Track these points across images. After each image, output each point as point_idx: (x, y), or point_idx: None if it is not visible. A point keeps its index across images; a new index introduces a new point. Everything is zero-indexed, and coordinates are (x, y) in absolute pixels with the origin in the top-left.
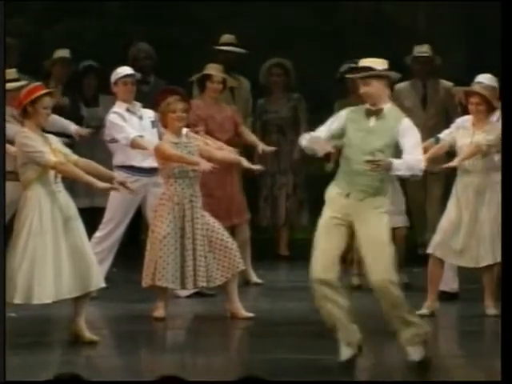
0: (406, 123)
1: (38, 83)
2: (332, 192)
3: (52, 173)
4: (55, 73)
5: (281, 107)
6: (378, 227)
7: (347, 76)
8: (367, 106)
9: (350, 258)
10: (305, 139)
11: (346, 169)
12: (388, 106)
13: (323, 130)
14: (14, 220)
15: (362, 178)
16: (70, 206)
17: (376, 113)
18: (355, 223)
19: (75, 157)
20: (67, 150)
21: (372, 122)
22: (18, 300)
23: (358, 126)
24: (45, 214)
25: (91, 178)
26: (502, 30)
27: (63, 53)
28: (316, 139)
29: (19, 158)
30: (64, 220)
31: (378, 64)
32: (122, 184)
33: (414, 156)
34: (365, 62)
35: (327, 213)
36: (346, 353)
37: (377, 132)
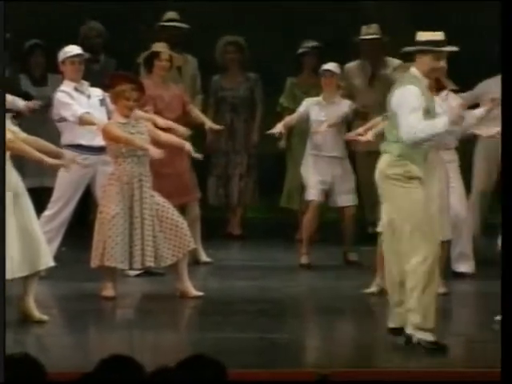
0: None
1: None
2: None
3: None
4: None
5: (237, 86)
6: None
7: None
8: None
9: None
10: None
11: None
12: None
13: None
14: None
15: None
16: (18, 184)
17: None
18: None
19: (24, 134)
20: (15, 128)
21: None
22: None
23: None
24: None
25: (41, 155)
26: (502, 30)
27: None
28: None
29: None
30: (12, 198)
31: (438, 37)
32: (72, 161)
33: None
34: (425, 36)
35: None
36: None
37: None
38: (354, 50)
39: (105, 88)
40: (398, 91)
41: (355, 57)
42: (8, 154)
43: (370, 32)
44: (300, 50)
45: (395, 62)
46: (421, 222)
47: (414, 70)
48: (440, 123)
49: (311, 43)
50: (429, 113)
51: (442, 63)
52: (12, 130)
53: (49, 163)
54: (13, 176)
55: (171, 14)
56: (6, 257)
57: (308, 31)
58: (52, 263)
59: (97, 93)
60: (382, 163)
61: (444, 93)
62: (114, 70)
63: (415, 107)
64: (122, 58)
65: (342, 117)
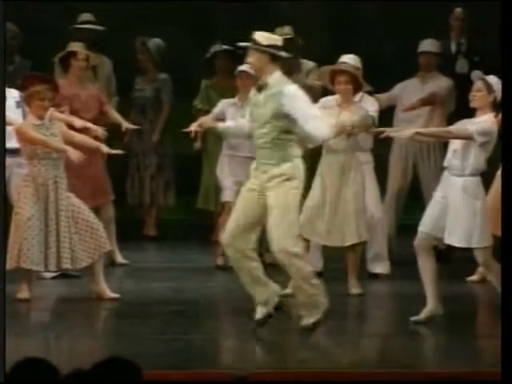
0: (288, 91)
1: None
2: (251, 167)
3: None
4: None
5: (146, 87)
6: (277, 196)
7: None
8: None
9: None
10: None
11: (255, 144)
12: (274, 77)
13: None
14: None
15: (262, 151)
16: None
17: (263, 86)
18: (266, 194)
19: None
20: None
21: (261, 95)
22: None
23: (253, 103)
24: None
25: None
26: (502, 30)
27: None
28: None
29: None
30: None
31: (266, 39)
32: None
33: (313, 124)
34: (255, 35)
35: (247, 185)
36: (259, 312)
37: (263, 104)
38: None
39: (19, 89)
40: None
41: None
42: None
43: (283, 33)
44: (209, 53)
45: (309, 64)
46: None
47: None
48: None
49: (219, 47)
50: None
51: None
52: None
53: None
54: None
55: (86, 16)
56: None
57: (221, 32)
58: None
59: (13, 94)
60: None
61: (359, 95)
62: (29, 71)
63: None
64: (36, 60)
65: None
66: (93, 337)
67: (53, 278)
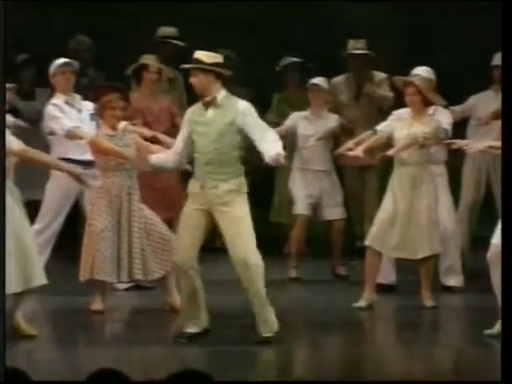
0: (243, 107)
1: None
2: (191, 186)
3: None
4: None
5: None
6: (236, 209)
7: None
8: (204, 100)
9: (286, 251)
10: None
11: (197, 163)
12: (222, 95)
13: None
14: None
15: (209, 167)
16: (18, 197)
17: (211, 103)
18: (214, 210)
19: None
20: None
21: (209, 112)
22: None
23: (198, 120)
24: None
25: (60, 162)
26: (502, 30)
27: None
28: None
29: None
30: (8, 212)
31: (209, 58)
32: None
33: (271, 145)
34: (197, 55)
35: (189, 206)
36: (191, 329)
37: (213, 121)
38: (341, 65)
39: (92, 101)
40: None
41: (343, 71)
42: (11, 164)
43: (357, 47)
44: (279, 67)
45: (380, 75)
46: None
47: None
48: None
49: (290, 59)
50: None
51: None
52: (17, 142)
53: (69, 170)
54: (14, 190)
55: (167, 30)
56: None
57: (295, 46)
58: (45, 281)
59: (88, 107)
60: None
61: (432, 108)
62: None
63: None
64: (111, 73)
65: (330, 131)
66: (166, 348)
67: (126, 289)
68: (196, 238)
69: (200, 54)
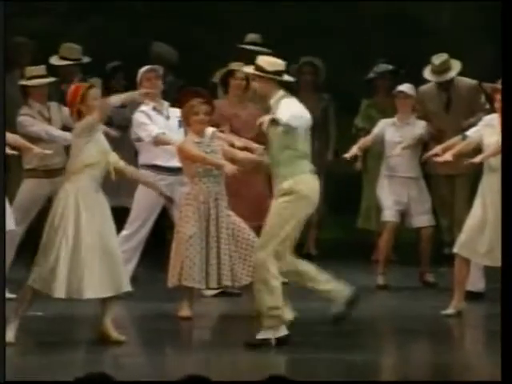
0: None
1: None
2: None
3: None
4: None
5: (311, 107)
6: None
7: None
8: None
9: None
10: None
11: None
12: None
13: None
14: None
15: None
16: (104, 204)
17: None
18: None
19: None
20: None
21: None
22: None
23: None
24: (83, 211)
25: (145, 178)
26: (502, 30)
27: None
28: None
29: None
30: (99, 219)
31: (270, 65)
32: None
33: None
34: (259, 61)
35: None
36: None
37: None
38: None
39: (178, 107)
40: None
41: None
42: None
43: (439, 61)
44: (375, 73)
45: (467, 81)
46: None
47: None
48: None
49: (385, 67)
50: None
51: None
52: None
53: (159, 190)
54: (102, 198)
55: (252, 37)
56: (90, 274)
57: (380, 53)
58: (129, 288)
59: (176, 113)
60: None
61: None
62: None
63: None
64: (192, 79)
65: (417, 138)
66: (254, 355)
67: (213, 295)
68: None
69: (262, 61)
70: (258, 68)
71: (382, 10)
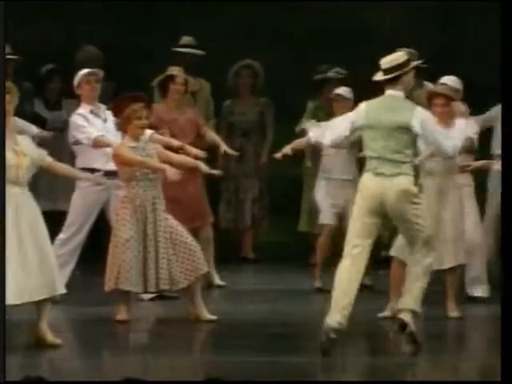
0: None
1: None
2: None
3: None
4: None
5: (248, 110)
6: None
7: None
8: None
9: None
10: None
11: None
12: None
13: None
14: None
15: None
16: (33, 206)
17: None
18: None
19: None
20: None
21: None
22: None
23: None
24: (10, 214)
25: (83, 173)
26: (502, 30)
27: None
28: None
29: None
30: (29, 221)
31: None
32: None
33: None
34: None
35: None
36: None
37: None
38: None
39: (114, 115)
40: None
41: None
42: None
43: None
44: (320, 76)
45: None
46: None
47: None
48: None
49: (334, 69)
50: None
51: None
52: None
53: (86, 178)
54: (28, 199)
55: (187, 40)
56: (22, 277)
57: (321, 55)
58: (64, 290)
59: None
60: (405, 184)
61: (458, 118)
62: (113, 93)
63: None
64: (125, 83)
65: (353, 139)
66: (191, 358)
67: (150, 299)
68: None
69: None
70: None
71: (329, 14)
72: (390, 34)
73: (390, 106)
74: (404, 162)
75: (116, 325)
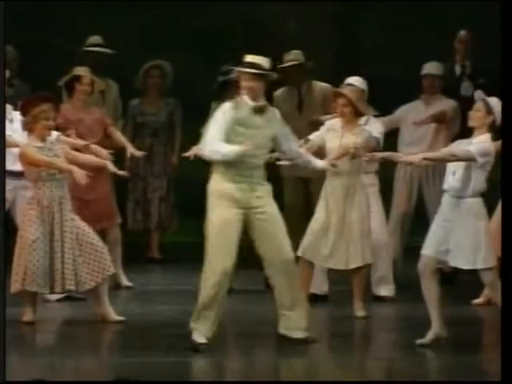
0: (279, 116)
1: None
2: (228, 189)
3: None
4: None
5: (158, 110)
6: (275, 208)
7: (239, 70)
8: (250, 103)
9: None
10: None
11: (235, 165)
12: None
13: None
14: None
15: (256, 171)
16: None
17: (261, 109)
18: (251, 213)
19: None
20: None
21: (259, 118)
22: None
23: (246, 123)
24: None
25: None
26: (501, 30)
27: None
28: None
29: None
30: None
31: (266, 63)
32: None
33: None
34: (253, 60)
35: (229, 209)
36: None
37: (263, 126)
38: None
39: (21, 114)
40: None
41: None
42: None
43: (289, 58)
44: (223, 78)
45: (321, 84)
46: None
47: None
48: (227, 148)
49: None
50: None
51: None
52: None
53: None
54: None
55: (95, 39)
56: None
57: (229, 55)
58: None
59: (20, 117)
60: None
61: (364, 118)
62: (28, 94)
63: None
64: (37, 83)
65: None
66: (98, 359)
67: (57, 300)
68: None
69: (257, 59)
70: (256, 66)
71: (235, 14)
72: (295, 34)
73: None
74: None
75: (23, 326)
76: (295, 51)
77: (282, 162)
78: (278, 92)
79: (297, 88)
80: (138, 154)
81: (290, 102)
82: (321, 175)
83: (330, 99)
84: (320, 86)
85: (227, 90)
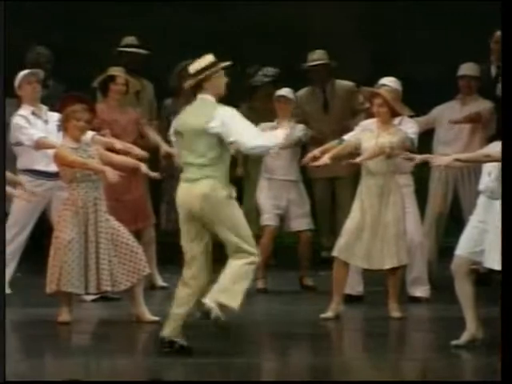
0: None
1: None
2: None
3: None
4: None
5: None
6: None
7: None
8: None
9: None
10: None
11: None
12: None
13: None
14: None
15: None
16: None
17: None
18: None
19: None
20: None
21: None
22: None
23: None
24: None
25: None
26: (502, 30)
27: None
28: None
29: None
30: None
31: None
32: (26, 192)
33: None
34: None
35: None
36: None
37: None
38: (305, 77)
39: (58, 111)
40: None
41: (307, 83)
42: None
43: (314, 58)
44: (257, 80)
45: (344, 83)
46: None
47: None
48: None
49: (267, 71)
50: None
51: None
52: None
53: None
54: None
55: (129, 39)
56: None
57: (259, 57)
58: (8, 290)
59: (55, 118)
60: (206, 187)
61: (398, 118)
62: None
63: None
64: (72, 84)
65: (295, 140)
66: (133, 359)
67: (93, 300)
68: None
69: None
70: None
71: (253, 16)
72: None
73: (195, 111)
74: (207, 165)
75: (58, 326)
76: (319, 50)
77: (310, 164)
78: (301, 92)
79: (321, 88)
80: (172, 151)
81: (314, 102)
82: (347, 175)
83: (355, 98)
84: (344, 84)
85: (256, 92)
